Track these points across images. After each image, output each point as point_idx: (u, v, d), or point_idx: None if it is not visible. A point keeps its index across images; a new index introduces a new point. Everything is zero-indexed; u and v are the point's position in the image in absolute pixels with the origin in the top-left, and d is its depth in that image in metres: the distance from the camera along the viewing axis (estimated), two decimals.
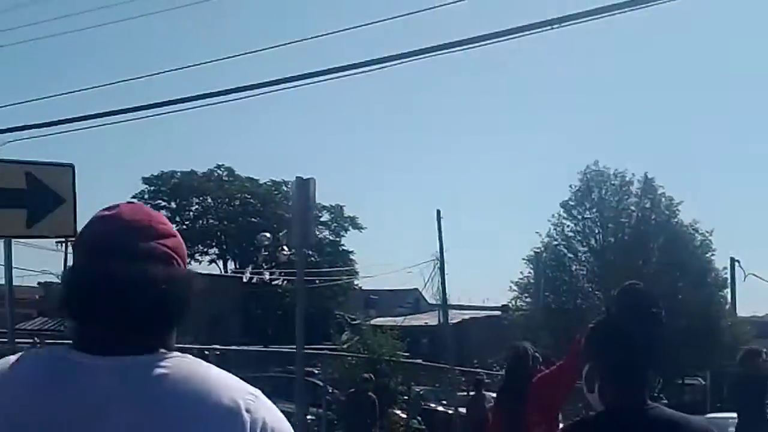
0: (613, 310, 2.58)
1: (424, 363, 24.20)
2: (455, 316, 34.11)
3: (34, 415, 1.41)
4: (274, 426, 1.47)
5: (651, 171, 38.74)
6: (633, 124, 69.20)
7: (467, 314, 36.51)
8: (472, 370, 21.05)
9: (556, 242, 36.73)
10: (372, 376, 14.81)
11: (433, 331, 37.30)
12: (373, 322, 26.80)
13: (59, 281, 1.76)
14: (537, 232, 37.66)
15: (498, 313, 36.99)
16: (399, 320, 23.81)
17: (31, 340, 14.69)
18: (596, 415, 2.59)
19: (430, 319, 40.85)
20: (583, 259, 37.35)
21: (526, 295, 35.35)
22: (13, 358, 1.51)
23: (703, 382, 39.06)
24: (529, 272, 35.36)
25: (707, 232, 35.90)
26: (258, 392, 1.50)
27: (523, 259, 36.37)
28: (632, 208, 36.37)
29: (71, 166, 6.93)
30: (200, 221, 50.12)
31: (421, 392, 20.29)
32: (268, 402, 1.51)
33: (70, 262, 1.61)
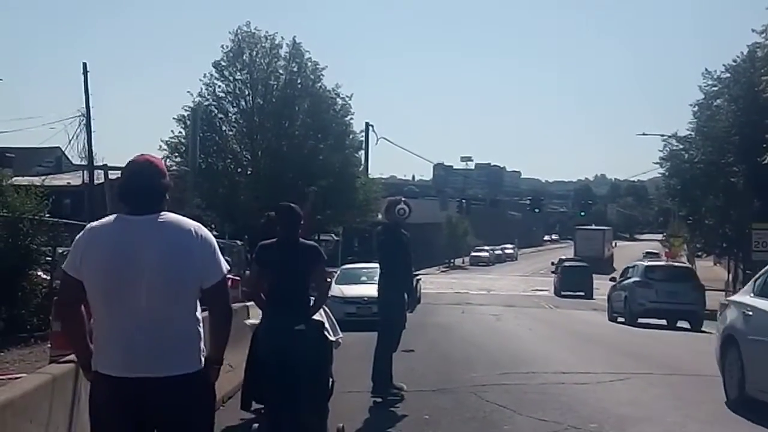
0: (279, 209, 6.90)
1: (72, 222, 23.49)
2: (100, 177, 33.06)
3: (115, 239, 3.64)
4: (204, 234, 3.73)
5: (299, 36, 39.95)
6: None
7: (113, 174, 35.59)
8: None
9: (207, 102, 36.78)
10: None
11: (78, 191, 35.94)
12: (9, 181, 25.13)
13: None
14: (189, 92, 37.43)
15: None
16: (38, 180, 22.56)
17: None
18: (275, 240, 6.67)
19: (74, 179, 39.18)
20: (233, 120, 37.91)
21: (176, 154, 35.28)
22: (107, 218, 3.76)
23: (336, 238, 42.36)
24: (180, 132, 35.24)
25: (347, 96, 38.19)
26: (200, 225, 3.77)
27: (174, 118, 36.06)
28: (281, 71, 37.36)
29: None
30: None
31: (65, 253, 19.83)
32: (204, 228, 3.79)
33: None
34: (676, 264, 28.08)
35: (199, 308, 3.75)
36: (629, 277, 24.96)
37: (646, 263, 26.72)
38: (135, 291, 3.58)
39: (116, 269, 3.59)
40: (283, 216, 6.82)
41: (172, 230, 3.67)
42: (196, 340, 3.72)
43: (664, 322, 23.87)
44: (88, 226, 3.79)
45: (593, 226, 73.50)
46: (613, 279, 27.70)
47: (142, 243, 3.61)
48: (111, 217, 3.76)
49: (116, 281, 3.59)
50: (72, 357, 5.51)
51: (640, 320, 23.37)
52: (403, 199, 9.89)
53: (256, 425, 7.03)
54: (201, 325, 3.75)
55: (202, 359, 3.74)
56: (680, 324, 23.81)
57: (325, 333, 6.89)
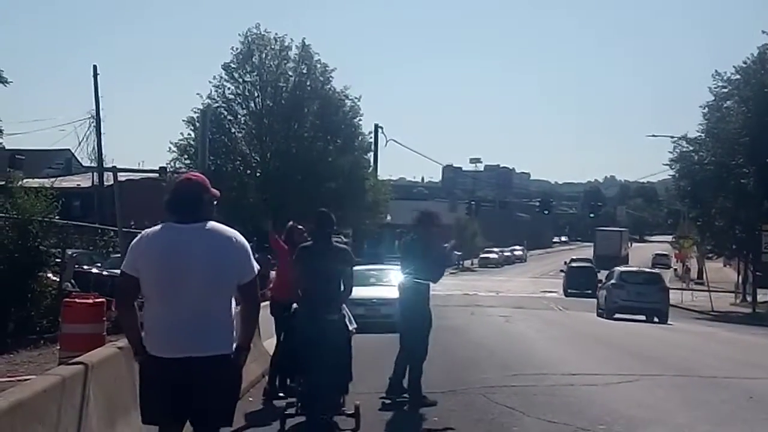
0: (317, 214, 8.09)
1: (82, 224, 23.61)
2: (110, 178, 33.17)
3: (167, 244, 4.40)
4: (241, 240, 4.50)
5: (308, 38, 39.99)
6: None
7: (123, 176, 35.76)
8: (132, 231, 20.95)
9: (216, 104, 36.84)
10: None
11: (88, 193, 36.08)
12: (19, 183, 25.22)
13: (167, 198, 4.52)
14: (198, 94, 37.52)
15: (155, 175, 36.61)
16: (48, 182, 22.66)
17: None
18: (310, 243, 8.08)
19: (83, 181, 39.34)
20: (243, 122, 37.95)
21: (185, 156, 35.35)
22: (157, 226, 4.50)
23: (345, 240, 42.48)
24: (189, 134, 35.32)
25: (356, 98, 38.18)
26: (238, 233, 4.52)
27: (184, 120, 36.13)
28: (290, 73, 37.39)
29: None
30: None
31: (75, 255, 19.90)
32: (241, 236, 4.53)
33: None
34: (645, 270, 34.11)
35: (233, 303, 4.49)
36: (610, 280, 29.55)
37: (621, 269, 32.19)
38: (184, 286, 4.32)
39: (169, 268, 4.33)
40: (319, 221, 7.94)
41: (216, 237, 4.44)
42: (230, 328, 4.45)
43: (643, 317, 27.43)
44: (142, 233, 4.52)
45: (611, 228, 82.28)
46: (599, 281, 32.12)
47: (191, 247, 4.36)
48: (160, 226, 4.50)
49: (169, 278, 4.33)
50: (81, 358, 5.57)
51: (618, 316, 27.29)
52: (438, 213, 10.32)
53: (284, 403, 8.10)
54: (234, 317, 4.48)
55: (234, 345, 4.44)
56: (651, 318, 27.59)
57: (347, 322, 7.77)
